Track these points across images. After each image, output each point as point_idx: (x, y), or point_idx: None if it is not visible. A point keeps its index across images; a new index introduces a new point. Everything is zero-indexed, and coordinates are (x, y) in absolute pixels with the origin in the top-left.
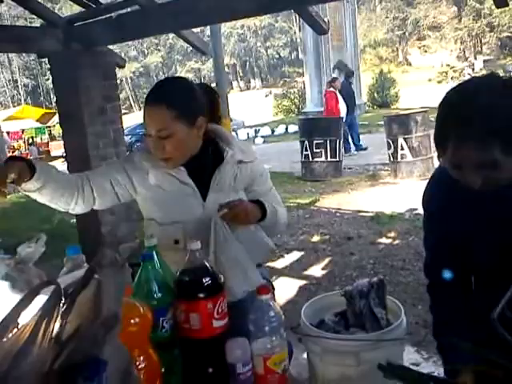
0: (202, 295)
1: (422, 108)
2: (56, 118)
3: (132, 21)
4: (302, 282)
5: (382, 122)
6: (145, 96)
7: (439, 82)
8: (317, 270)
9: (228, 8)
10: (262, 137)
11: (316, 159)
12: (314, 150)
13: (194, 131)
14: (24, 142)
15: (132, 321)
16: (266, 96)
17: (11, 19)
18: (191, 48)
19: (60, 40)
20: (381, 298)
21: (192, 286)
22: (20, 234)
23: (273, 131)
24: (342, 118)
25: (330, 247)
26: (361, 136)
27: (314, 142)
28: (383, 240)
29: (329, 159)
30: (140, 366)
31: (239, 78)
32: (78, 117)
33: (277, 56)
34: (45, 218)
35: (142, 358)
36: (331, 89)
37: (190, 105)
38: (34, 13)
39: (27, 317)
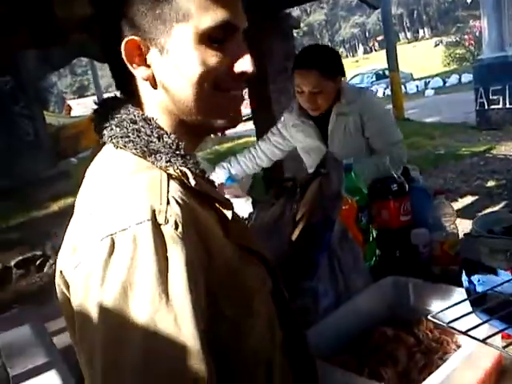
0: (390, 197)
1: None
2: None
3: None
4: (456, 224)
5: None
6: None
7: None
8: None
9: None
10: (433, 88)
11: (492, 106)
12: (491, 97)
13: (336, 86)
14: None
15: (343, 207)
16: (436, 45)
17: None
18: (355, 2)
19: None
20: None
21: (384, 190)
22: None
23: (444, 82)
24: None
25: (507, 192)
26: None
27: (491, 88)
28: None
29: (507, 106)
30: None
31: (406, 29)
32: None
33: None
34: None
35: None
36: None
37: (333, 65)
38: None
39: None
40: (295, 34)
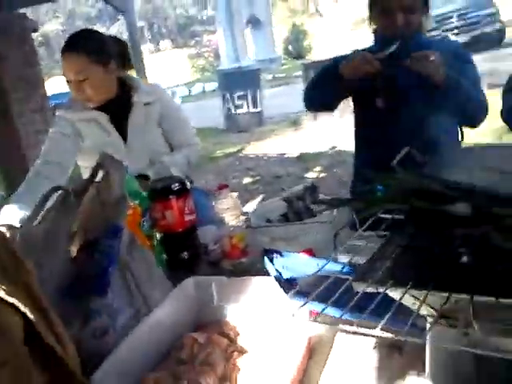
0: (172, 196)
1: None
2: None
3: None
4: (240, 217)
5: (299, 73)
6: (49, 67)
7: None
8: (253, 206)
9: None
10: (180, 97)
11: (238, 111)
12: (236, 103)
13: (107, 74)
14: None
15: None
16: (179, 57)
17: None
18: (94, 12)
19: None
20: (315, 198)
21: (165, 191)
22: None
23: (189, 91)
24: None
25: (262, 186)
26: (279, 88)
27: (235, 95)
28: (310, 175)
29: (251, 110)
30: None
31: (149, 41)
32: None
33: (186, 14)
34: None
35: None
36: None
37: (102, 50)
38: None
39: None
40: None
